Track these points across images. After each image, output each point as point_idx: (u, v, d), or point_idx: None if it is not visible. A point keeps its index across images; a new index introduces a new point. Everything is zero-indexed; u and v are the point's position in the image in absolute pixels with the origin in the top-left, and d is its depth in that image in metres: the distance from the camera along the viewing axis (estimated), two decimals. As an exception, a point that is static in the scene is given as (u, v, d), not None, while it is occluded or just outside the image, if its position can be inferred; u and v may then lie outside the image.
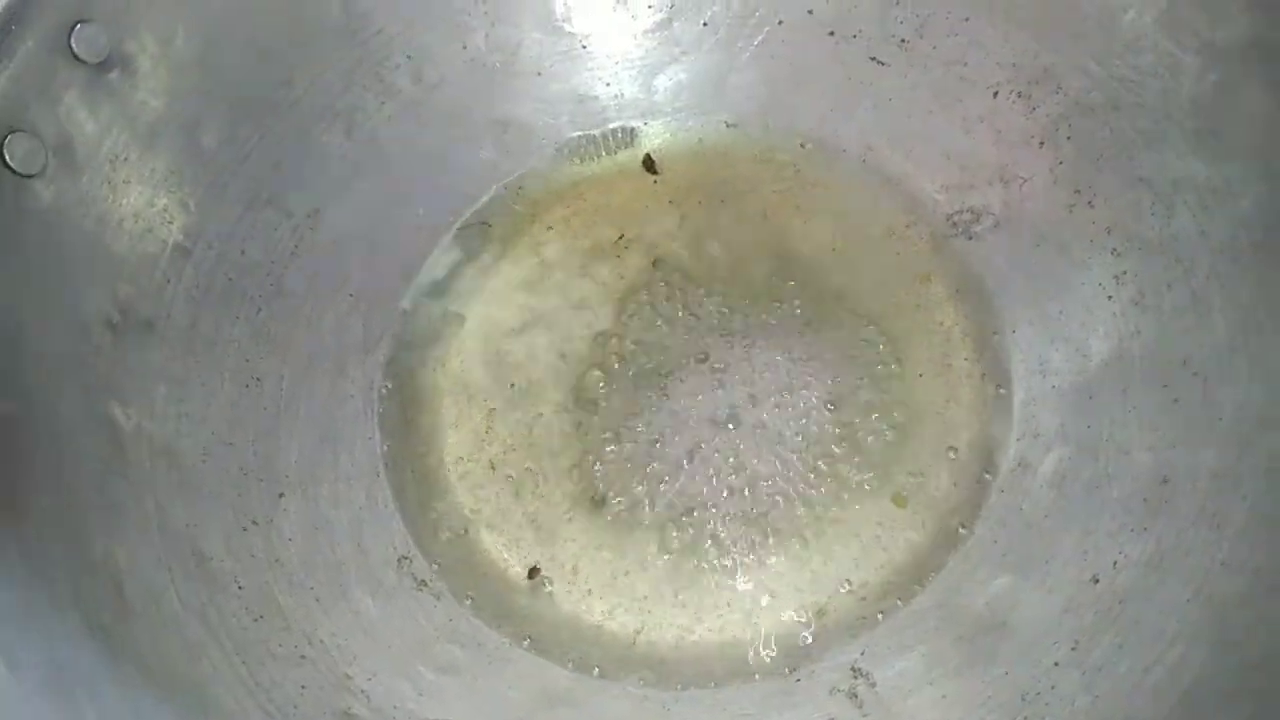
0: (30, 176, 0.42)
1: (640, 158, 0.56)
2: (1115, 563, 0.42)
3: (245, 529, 0.46)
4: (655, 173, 0.55)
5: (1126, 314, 0.47)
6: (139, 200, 0.46)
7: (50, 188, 0.42)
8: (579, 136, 0.56)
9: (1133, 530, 0.43)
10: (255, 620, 0.44)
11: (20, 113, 0.41)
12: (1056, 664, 0.41)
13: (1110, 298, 0.47)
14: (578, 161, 0.56)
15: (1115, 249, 0.47)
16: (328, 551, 0.47)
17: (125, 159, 0.45)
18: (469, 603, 0.48)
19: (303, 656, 0.44)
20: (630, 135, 0.56)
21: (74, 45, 0.42)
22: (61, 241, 0.43)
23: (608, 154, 0.56)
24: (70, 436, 0.42)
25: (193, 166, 0.47)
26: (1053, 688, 0.41)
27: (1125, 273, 0.47)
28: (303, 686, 0.43)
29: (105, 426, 0.43)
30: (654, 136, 0.56)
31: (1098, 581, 0.42)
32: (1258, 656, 0.36)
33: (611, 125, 0.57)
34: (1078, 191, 0.49)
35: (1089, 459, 0.45)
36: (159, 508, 0.43)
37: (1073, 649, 0.41)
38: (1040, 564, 0.44)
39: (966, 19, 0.51)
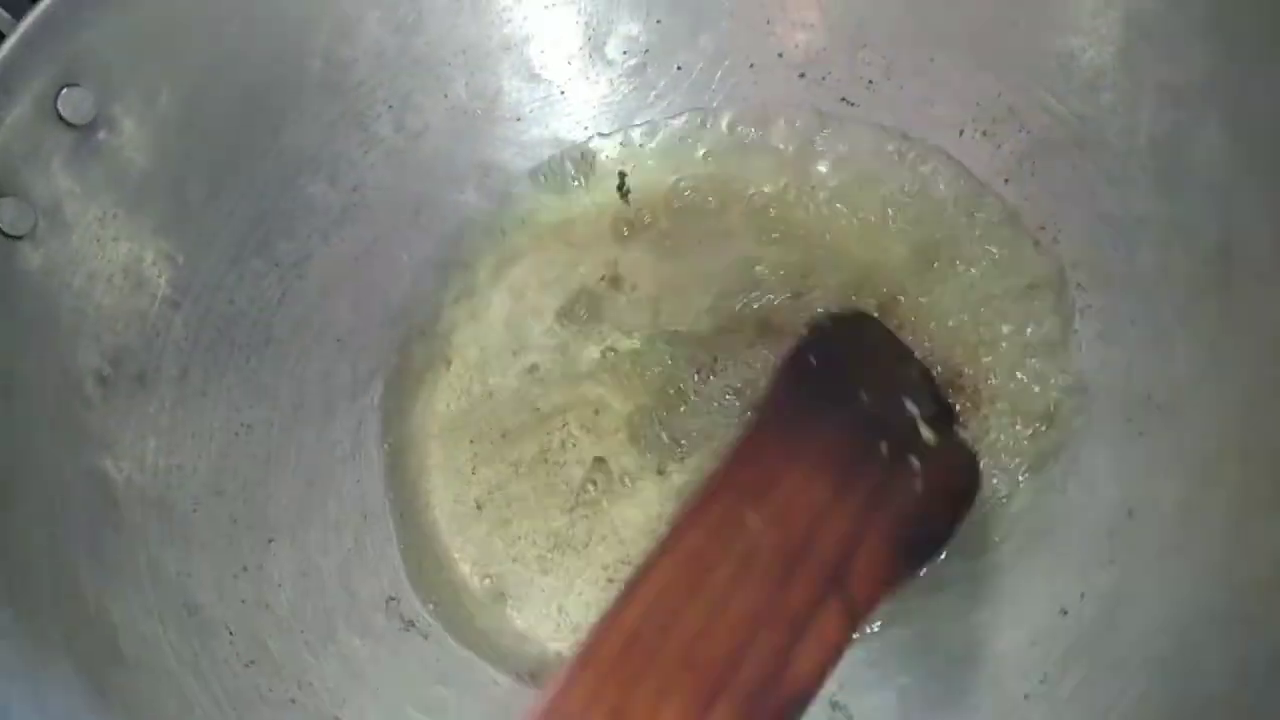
0: (20, 238, 0.43)
1: (616, 194, 0.57)
2: (1083, 594, 0.43)
3: (235, 576, 0.47)
4: (626, 196, 0.56)
5: (1092, 348, 0.48)
6: (128, 256, 0.47)
7: (40, 248, 0.44)
8: (559, 179, 0.57)
9: (1099, 563, 0.44)
10: (246, 666, 0.45)
11: (10, 177, 0.42)
12: (1026, 696, 0.42)
13: (1075, 332, 0.48)
14: (558, 204, 0.57)
15: (1080, 284, 0.48)
16: (316, 595, 0.48)
17: (114, 216, 0.46)
18: (454, 640, 0.49)
19: (292, 700, 0.45)
20: (608, 177, 0.57)
21: (61, 109, 0.44)
22: (52, 299, 0.44)
23: (587, 196, 0.57)
24: (62, 490, 0.43)
25: (180, 221, 0.49)
26: (1023, 720, 0.42)
27: (1090, 307, 0.48)
28: (293, 730, 0.44)
29: (97, 479, 0.44)
30: (631, 178, 0.57)
31: (1066, 614, 0.43)
32: (1221, 690, 0.37)
33: (591, 168, 0.58)
34: (1042, 228, 0.50)
35: (1055, 492, 0.46)
36: (151, 558, 0.45)
37: (1041, 681, 0.42)
38: (1010, 597, 0.45)
39: (931, 59, 0.52)
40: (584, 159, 0.57)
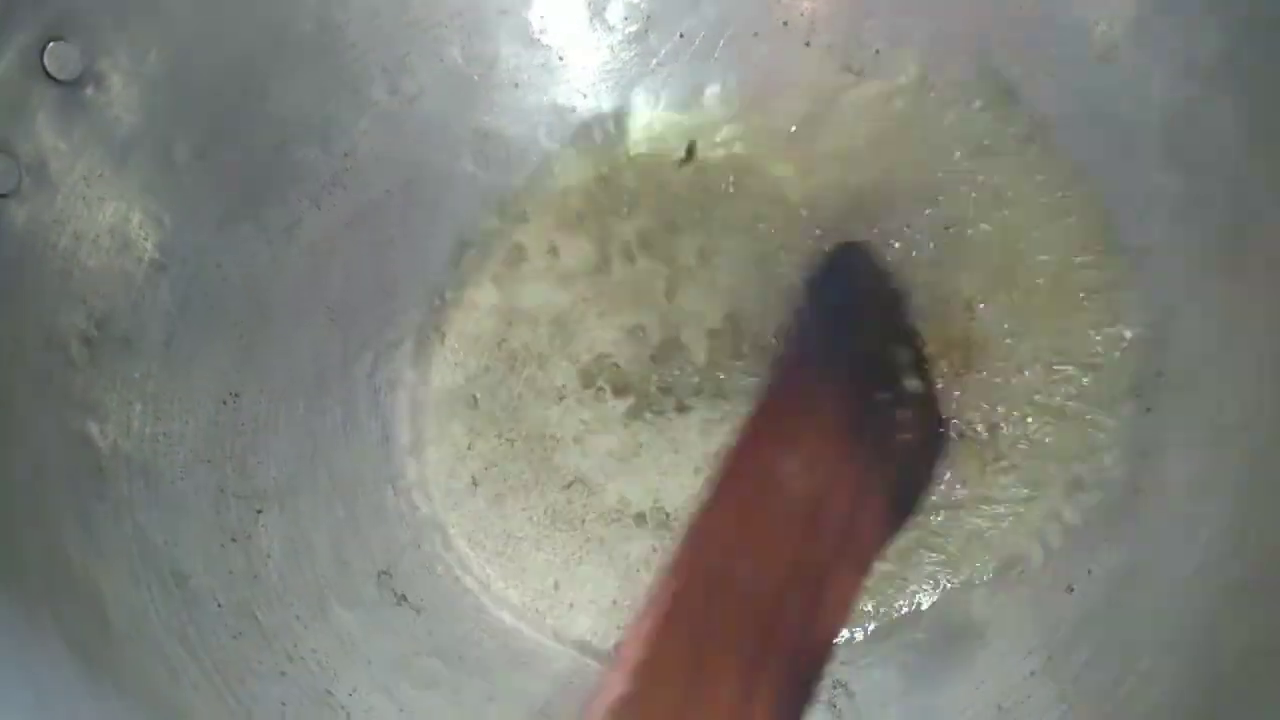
0: (4, 196, 0.42)
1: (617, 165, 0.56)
2: (1090, 571, 0.43)
3: (224, 546, 0.46)
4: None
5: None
6: (114, 217, 0.46)
7: (25, 206, 0.43)
8: (558, 148, 0.56)
9: (1106, 540, 0.43)
10: (234, 638, 0.44)
11: (-6, 132, 0.41)
12: (1032, 674, 0.42)
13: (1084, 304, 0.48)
14: (556, 172, 0.56)
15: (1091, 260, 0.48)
16: (307, 567, 0.47)
17: (100, 176, 0.45)
18: (446, 617, 0.48)
19: (283, 673, 0.44)
20: (611, 141, 0.57)
21: (47, 63, 0.43)
22: (36, 258, 0.43)
23: (588, 165, 0.56)
24: (47, 455, 0.42)
25: (167, 182, 0.47)
26: (1028, 698, 0.41)
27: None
28: (283, 703, 0.43)
29: (82, 445, 0.43)
30: (634, 147, 0.56)
31: (1072, 591, 0.43)
32: (1226, 669, 0.37)
33: (591, 136, 0.57)
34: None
35: (1063, 468, 0.46)
36: (137, 527, 0.44)
37: (1047, 659, 0.42)
38: (1014, 573, 0.45)
39: (940, 28, 0.51)
40: (584, 127, 0.56)
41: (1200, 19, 0.44)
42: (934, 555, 0.46)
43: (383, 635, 0.47)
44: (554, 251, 0.55)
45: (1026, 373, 0.48)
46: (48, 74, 0.43)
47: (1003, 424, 0.47)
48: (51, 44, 0.42)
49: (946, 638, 0.45)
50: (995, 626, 0.44)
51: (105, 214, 0.45)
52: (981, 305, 0.49)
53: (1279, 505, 0.39)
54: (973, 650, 0.44)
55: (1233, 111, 0.44)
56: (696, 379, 0.51)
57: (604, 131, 0.56)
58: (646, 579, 0.48)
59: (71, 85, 0.43)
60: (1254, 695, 0.36)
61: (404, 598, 0.48)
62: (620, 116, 0.56)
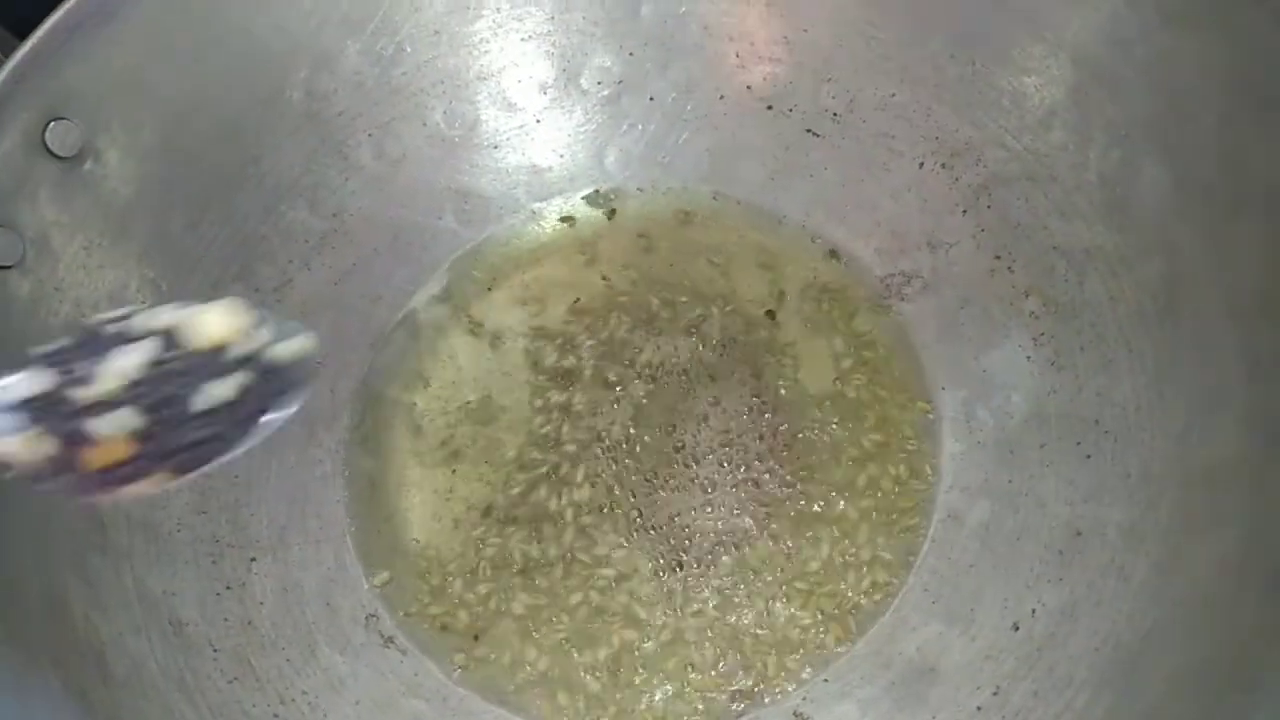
0: (9, 267, 0.44)
1: (589, 223, 0.59)
2: (1034, 611, 0.45)
3: (219, 594, 0.48)
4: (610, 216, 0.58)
5: (1044, 374, 0.50)
6: (113, 283, 0.48)
7: (28, 277, 0.45)
8: (535, 206, 0.59)
9: (1049, 580, 0.46)
10: (230, 682, 0.46)
11: (-1, 208, 0.44)
12: (979, 709, 0.44)
13: (1029, 358, 0.50)
14: (534, 229, 0.59)
15: (1033, 312, 0.51)
16: (298, 612, 0.49)
17: (99, 245, 0.48)
18: (430, 658, 0.50)
19: (275, 715, 0.46)
20: (583, 207, 0.59)
21: (48, 141, 0.45)
22: (40, 326, 0.45)
23: (563, 221, 0.59)
24: (49, 510, 0.44)
25: (163, 248, 0.50)
26: (976, 731, 0.44)
27: (1043, 334, 0.50)
28: (275, 744, 0.45)
29: (84, 504, 0.45)
30: (607, 204, 0.59)
31: (1018, 629, 0.45)
32: (1155, 703, 0.39)
33: (565, 194, 0.59)
34: (998, 257, 0.52)
35: (1010, 511, 0.48)
36: (137, 578, 0.46)
37: (994, 694, 0.44)
38: (966, 612, 0.47)
39: (893, 94, 0.54)
40: (559, 186, 0.59)
41: (1130, 85, 0.47)
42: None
43: (370, 676, 0.49)
44: (532, 303, 0.57)
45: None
46: (49, 151, 0.45)
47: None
48: (53, 123, 0.45)
49: (902, 673, 0.47)
50: (947, 662, 0.46)
51: (105, 281, 0.48)
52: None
53: (1204, 550, 0.41)
54: (925, 685, 0.46)
55: (1163, 172, 0.46)
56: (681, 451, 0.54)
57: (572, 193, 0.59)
58: (618, 623, 0.50)
59: (71, 161, 0.46)
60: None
61: (391, 640, 0.50)
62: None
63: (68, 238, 0.46)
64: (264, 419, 0.35)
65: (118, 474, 0.33)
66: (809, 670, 0.48)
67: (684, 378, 0.55)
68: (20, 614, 0.42)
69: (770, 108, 0.56)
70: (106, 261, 0.48)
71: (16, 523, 0.43)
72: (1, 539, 0.42)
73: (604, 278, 0.58)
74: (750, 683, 0.48)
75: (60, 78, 0.45)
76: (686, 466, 0.52)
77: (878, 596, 0.49)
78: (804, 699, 0.48)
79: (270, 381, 0.35)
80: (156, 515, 0.48)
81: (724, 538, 0.51)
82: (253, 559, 0.50)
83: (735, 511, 0.51)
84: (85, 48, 0.45)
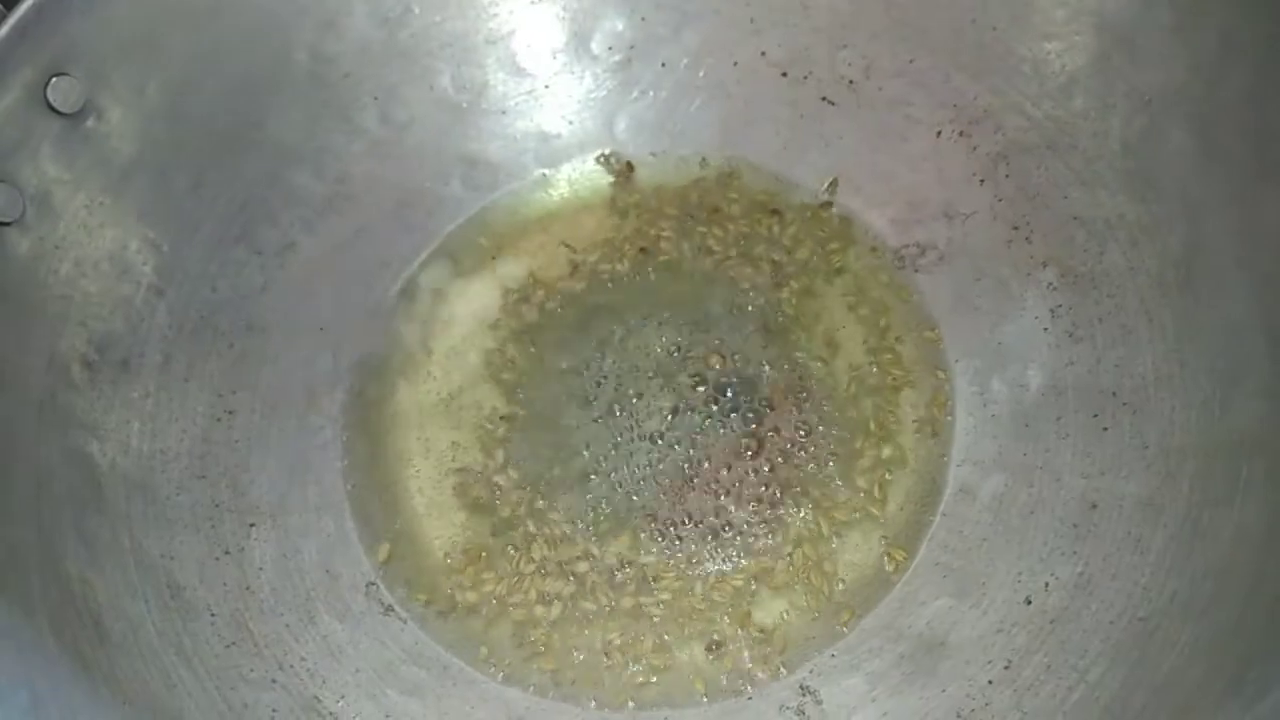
0: (9, 224, 0.43)
1: (599, 190, 0.58)
2: (1047, 584, 0.44)
3: (218, 559, 0.48)
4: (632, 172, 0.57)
5: (1061, 345, 0.49)
6: (113, 243, 0.48)
7: (28, 235, 0.44)
8: (543, 173, 0.58)
9: (1063, 554, 0.45)
10: (227, 647, 0.46)
11: (0, 163, 0.43)
12: (990, 682, 0.43)
13: (1046, 330, 0.49)
14: (542, 196, 0.58)
15: (1051, 283, 0.50)
16: (297, 579, 0.49)
17: (100, 204, 0.47)
18: (431, 625, 0.49)
19: (273, 681, 0.46)
20: (594, 174, 0.58)
21: (50, 97, 0.44)
22: (39, 285, 0.45)
23: (571, 191, 0.58)
24: (48, 473, 0.44)
25: (165, 209, 0.49)
26: (986, 705, 0.43)
27: (1060, 306, 0.49)
28: (274, 710, 0.45)
29: (82, 463, 0.45)
30: (615, 169, 0.58)
31: (1030, 603, 0.44)
32: (1169, 677, 0.38)
33: (574, 160, 0.58)
34: (1016, 228, 0.51)
35: (1024, 485, 0.47)
36: (135, 541, 0.45)
37: (1005, 668, 0.43)
38: (977, 586, 0.46)
39: (911, 61, 0.53)
40: (567, 152, 0.58)
41: (1155, 51, 0.46)
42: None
43: (369, 644, 0.48)
44: (538, 271, 0.56)
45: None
46: (51, 107, 0.44)
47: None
48: (55, 79, 0.44)
49: (911, 647, 0.46)
50: (957, 636, 0.45)
51: (105, 241, 0.47)
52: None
53: (1224, 522, 0.40)
54: (935, 659, 0.45)
55: (1187, 140, 0.45)
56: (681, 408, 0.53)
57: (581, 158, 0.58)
58: (626, 597, 0.50)
59: (74, 118, 0.45)
60: (1188, 703, 0.37)
61: (391, 608, 0.50)
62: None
63: (69, 195, 0.46)
64: None
65: None
66: (817, 644, 0.47)
67: (699, 347, 0.54)
68: (19, 576, 0.41)
69: (785, 74, 0.55)
70: (108, 221, 0.47)
71: (15, 485, 0.42)
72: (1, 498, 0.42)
73: (610, 241, 0.57)
74: (756, 655, 0.47)
75: (63, 33, 0.44)
76: (699, 431, 0.52)
77: (888, 569, 0.48)
78: (811, 671, 0.47)
79: None
80: (156, 479, 0.47)
81: (731, 505, 0.50)
82: (252, 524, 0.49)
83: (742, 472, 0.51)
84: (88, 3, 0.45)
